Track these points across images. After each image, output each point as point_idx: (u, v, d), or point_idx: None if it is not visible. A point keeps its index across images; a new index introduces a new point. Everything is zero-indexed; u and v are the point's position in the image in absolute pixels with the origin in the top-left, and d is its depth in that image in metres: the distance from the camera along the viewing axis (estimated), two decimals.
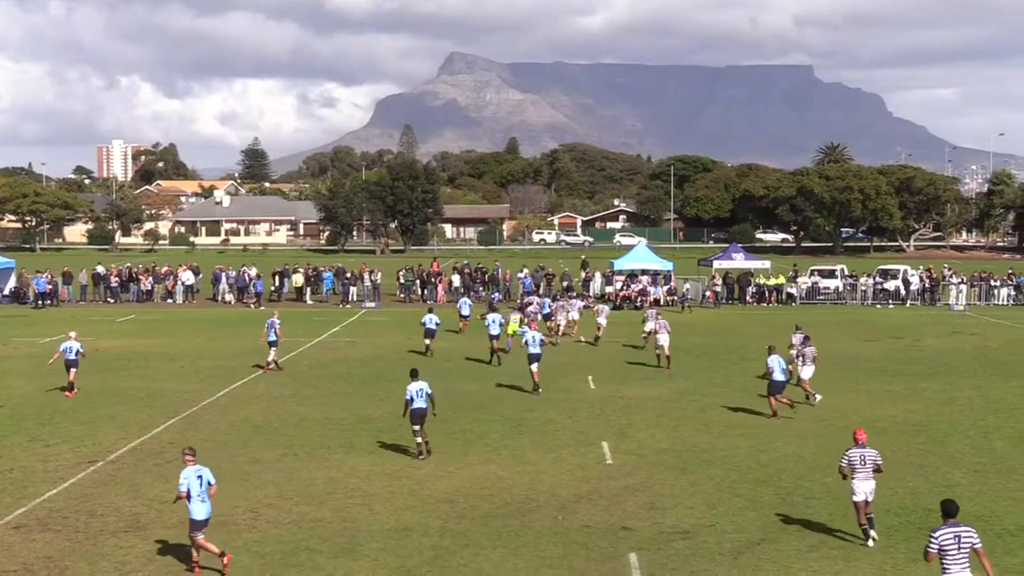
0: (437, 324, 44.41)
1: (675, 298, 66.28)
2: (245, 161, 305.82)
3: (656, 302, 62.72)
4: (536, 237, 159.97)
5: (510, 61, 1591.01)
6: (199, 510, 18.55)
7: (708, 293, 68.66)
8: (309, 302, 67.90)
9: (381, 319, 59.11)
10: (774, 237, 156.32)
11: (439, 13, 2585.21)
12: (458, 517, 21.62)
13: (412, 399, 26.09)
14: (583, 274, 72.60)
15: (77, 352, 34.92)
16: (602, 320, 48.99)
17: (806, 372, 34.13)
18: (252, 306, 65.42)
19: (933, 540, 14.85)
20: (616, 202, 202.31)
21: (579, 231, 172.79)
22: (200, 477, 18.70)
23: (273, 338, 39.49)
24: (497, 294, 65.22)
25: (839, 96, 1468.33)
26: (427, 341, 44.19)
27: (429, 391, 26.28)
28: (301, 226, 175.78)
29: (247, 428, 29.81)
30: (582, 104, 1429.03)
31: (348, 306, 66.06)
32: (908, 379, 38.76)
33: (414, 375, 26.84)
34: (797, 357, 34.59)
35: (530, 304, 54.02)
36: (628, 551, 19.52)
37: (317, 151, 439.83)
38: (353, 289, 68.91)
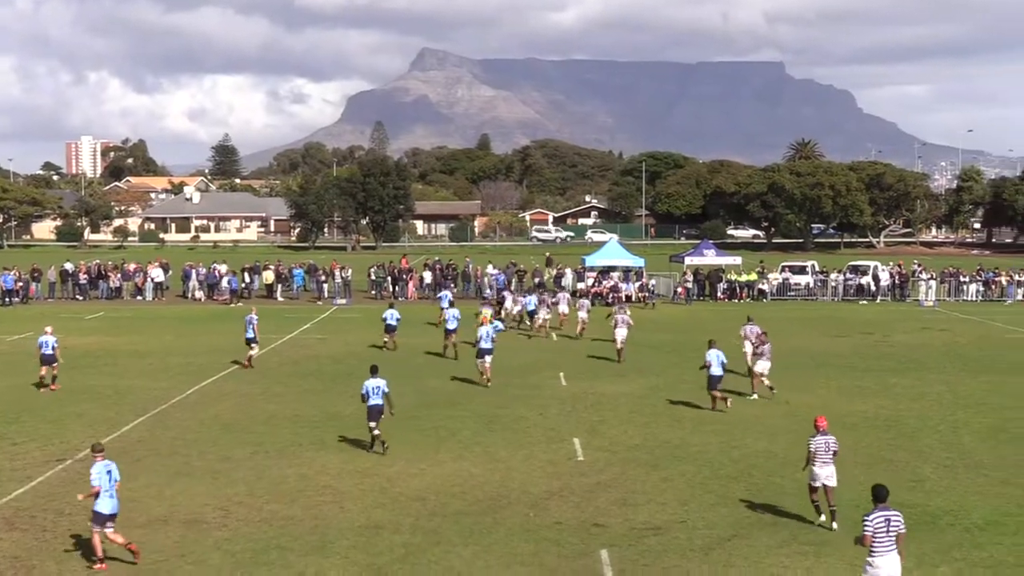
0: (398, 320, 45.22)
1: (646, 295, 66.39)
2: (215, 157, 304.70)
3: (627, 298, 62.87)
4: (542, 236, 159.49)
5: (481, 57, 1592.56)
6: (106, 505, 18.77)
7: (679, 289, 68.80)
8: (280, 299, 67.69)
9: (352, 316, 58.99)
10: (745, 233, 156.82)
11: (409, 8, 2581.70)
12: (429, 514, 21.61)
13: (368, 395, 26.45)
14: (552, 271, 72.54)
15: (53, 347, 34.86)
16: (584, 315, 49.55)
17: (761, 366, 34.18)
18: (228, 303, 65.22)
19: (867, 523, 15.43)
20: (588, 198, 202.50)
21: (551, 227, 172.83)
22: (109, 472, 18.88)
23: (251, 335, 39.59)
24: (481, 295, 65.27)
25: (810, 93, 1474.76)
26: (386, 337, 44.99)
27: (386, 389, 26.65)
28: (272, 223, 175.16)
29: (217, 426, 29.70)
30: (554, 100, 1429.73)
31: (321, 303, 65.96)
32: (878, 375, 38.96)
33: (373, 372, 27.16)
34: (756, 351, 34.63)
35: (504, 299, 54.38)
36: (600, 548, 19.55)
37: (288, 147, 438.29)
38: (324, 286, 68.80)
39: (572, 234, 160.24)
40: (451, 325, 42.78)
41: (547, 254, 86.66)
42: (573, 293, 66.05)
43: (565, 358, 42.90)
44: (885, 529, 15.50)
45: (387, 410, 26.73)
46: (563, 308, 53.09)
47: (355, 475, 24.48)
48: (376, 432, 26.61)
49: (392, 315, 44.94)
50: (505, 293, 58.51)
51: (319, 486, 23.60)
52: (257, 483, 23.84)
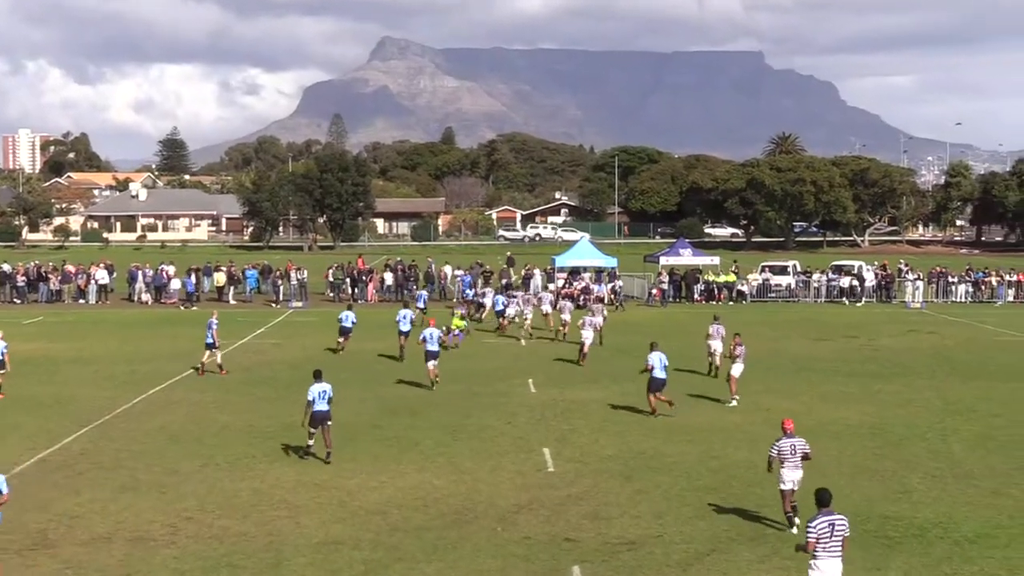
0: (353, 323, 45.98)
1: (619, 297, 66.43)
2: (162, 152, 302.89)
3: (599, 300, 62.86)
4: (531, 231, 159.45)
5: (444, 46, 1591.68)
6: None
7: (654, 291, 68.96)
8: (232, 302, 67.41)
9: (309, 320, 58.82)
10: (723, 232, 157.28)
11: None
12: (390, 529, 21.54)
13: (314, 401, 26.60)
14: (521, 271, 72.52)
15: (2, 353, 34.74)
16: (567, 317, 49.98)
17: (736, 369, 34.35)
18: (183, 307, 64.94)
19: (811, 529, 15.89)
20: (557, 195, 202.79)
21: (518, 225, 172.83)
22: None
23: (211, 340, 39.73)
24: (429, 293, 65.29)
25: (791, 84, 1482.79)
26: (340, 339, 45.77)
27: (331, 394, 26.88)
28: (223, 221, 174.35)
29: (164, 437, 29.53)
30: (520, 92, 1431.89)
31: (276, 306, 65.79)
32: (863, 380, 39.14)
33: (317, 376, 27.20)
34: (733, 354, 34.70)
35: (484, 297, 55.71)
36: (571, 564, 19.54)
37: (240, 141, 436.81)
38: (279, 288, 68.56)
39: (540, 234, 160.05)
40: (404, 327, 43.58)
41: (508, 253, 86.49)
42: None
43: (534, 363, 42.90)
44: (829, 534, 15.94)
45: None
46: (546, 308, 54.34)
47: (312, 488, 24.38)
48: (311, 442, 26.84)
49: (348, 317, 45.65)
50: (487, 291, 60.47)
51: (273, 500, 23.49)
52: (207, 497, 23.70)
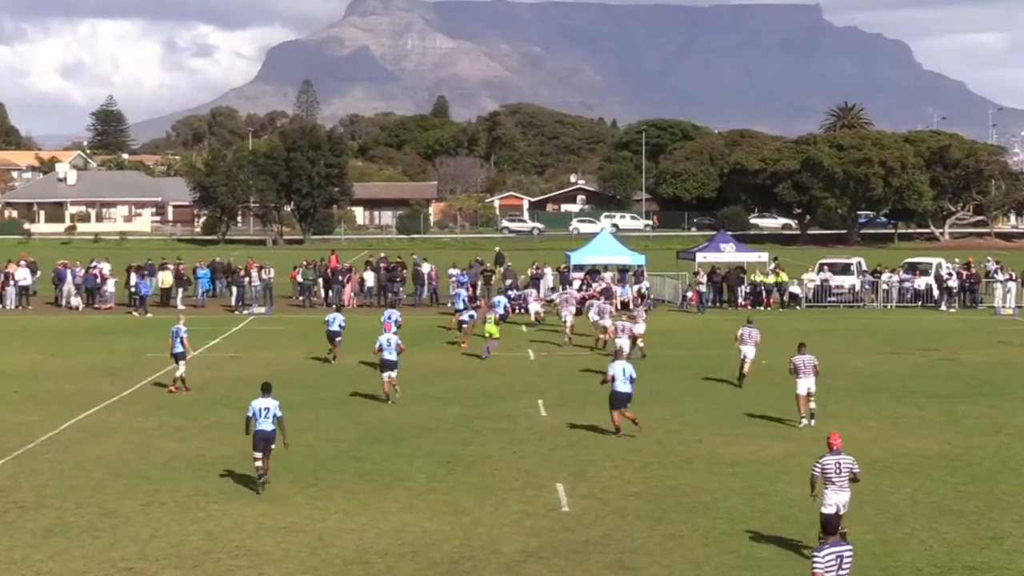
0: (342, 326, 46.79)
1: (647, 301, 66.32)
2: (96, 126, 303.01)
3: (623, 305, 62.92)
4: (514, 226, 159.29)
5: None
6: None
7: (689, 294, 68.89)
8: (180, 307, 67.43)
9: (274, 328, 58.86)
10: (773, 223, 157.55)
11: None
12: None
13: (255, 417, 27.23)
14: (528, 271, 72.52)
15: None
16: (608, 322, 50.33)
17: (804, 385, 34.45)
18: (137, 313, 65.02)
19: (817, 561, 16.57)
20: (573, 179, 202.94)
21: (526, 215, 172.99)
22: None
23: (180, 349, 40.13)
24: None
25: (854, 44, 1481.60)
26: (331, 347, 46.95)
27: (278, 413, 27.37)
28: (170, 210, 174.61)
29: (100, 469, 29.51)
30: (528, 54, 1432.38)
31: (241, 311, 65.89)
32: (943, 402, 39.08)
33: (264, 390, 27.71)
34: (801, 370, 34.74)
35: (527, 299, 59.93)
36: None
37: (189, 113, 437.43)
38: (238, 290, 68.58)
39: (541, 226, 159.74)
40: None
41: (496, 249, 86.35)
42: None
43: (545, 380, 42.88)
44: (836, 568, 16.59)
45: (279, 438, 27.38)
46: (567, 316, 54.82)
47: (277, 532, 24.35)
48: (259, 464, 27.20)
49: (335, 319, 46.61)
50: (531, 295, 62.90)
51: (230, 547, 23.46)
52: (151, 544, 23.68)
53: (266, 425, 27.21)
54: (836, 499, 21.56)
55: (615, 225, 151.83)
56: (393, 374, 38.06)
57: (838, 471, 21.64)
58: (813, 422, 34.63)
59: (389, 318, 45.19)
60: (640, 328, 47.19)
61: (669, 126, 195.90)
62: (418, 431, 34.12)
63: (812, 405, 34.92)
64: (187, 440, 32.90)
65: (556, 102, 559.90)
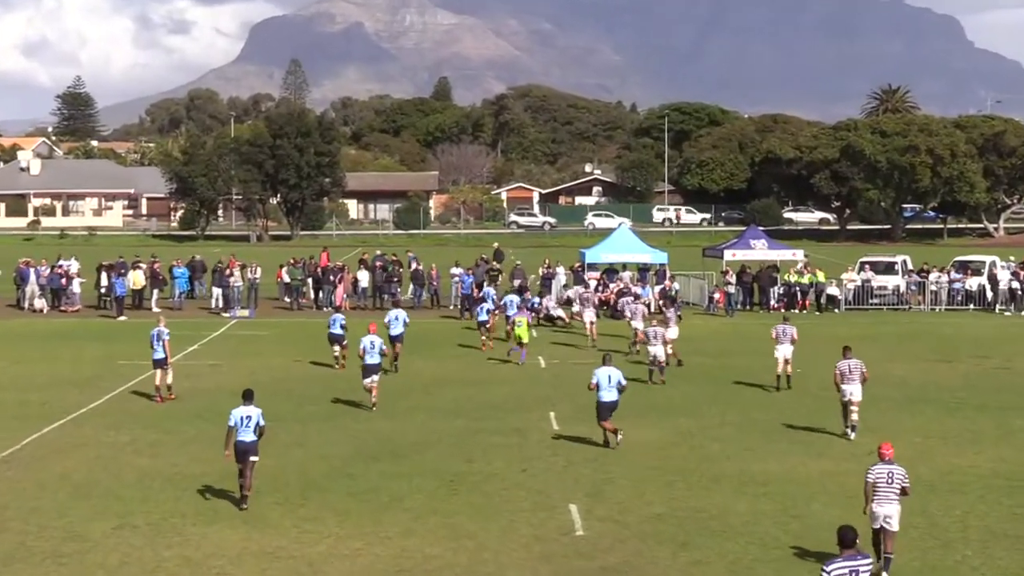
0: (344, 327, 47.42)
1: (671, 302, 66.23)
2: (62, 110, 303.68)
3: (671, 304, 62.30)
4: (524, 220, 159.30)
5: None
6: None
7: (716, 295, 68.82)
8: (155, 309, 67.46)
9: (258, 332, 58.88)
10: (810, 217, 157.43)
11: None
12: None
13: (235, 427, 27.59)
14: (539, 270, 72.49)
15: None
16: (639, 324, 50.88)
17: (849, 392, 34.55)
18: (123, 317, 65.13)
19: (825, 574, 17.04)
20: (588, 168, 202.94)
21: (536, 208, 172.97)
22: None
23: (162, 355, 40.55)
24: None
25: (898, 20, 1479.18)
26: (335, 350, 47.59)
27: (261, 422, 27.77)
28: (143, 202, 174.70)
29: (66, 489, 29.51)
30: (539, 31, 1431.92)
31: (226, 314, 65.97)
32: (996, 415, 39.04)
33: (246, 398, 28.09)
34: (846, 375, 34.85)
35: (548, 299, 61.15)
36: None
37: (165, 96, 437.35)
38: (217, 291, 68.63)
39: (553, 220, 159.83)
40: (395, 330, 45.87)
41: (495, 245, 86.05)
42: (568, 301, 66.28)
43: (559, 390, 42.83)
44: None
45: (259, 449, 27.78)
46: (589, 316, 55.58)
47: (261, 558, 24.37)
48: (242, 481, 27.59)
49: (336, 320, 47.39)
50: (572, 294, 63.44)
51: (210, 574, 23.48)
52: (121, 571, 23.70)
53: (247, 436, 27.48)
54: (884, 511, 22.00)
55: (669, 219, 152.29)
56: (376, 379, 38.83)
57: (889, 482, 22.13)
58: (853, 435, 34.66)
59: (396, 319, 46.13)
60: (673, 333, 47.23)
61: (694, 111, 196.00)
62: (418, 446, 34.12)
63: (855, 416, 34.93)
64: (162, 456, 32.91)
65: (570, 84, 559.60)
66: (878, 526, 22.07)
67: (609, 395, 33.37)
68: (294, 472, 30.53)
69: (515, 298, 56.68)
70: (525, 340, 49.12)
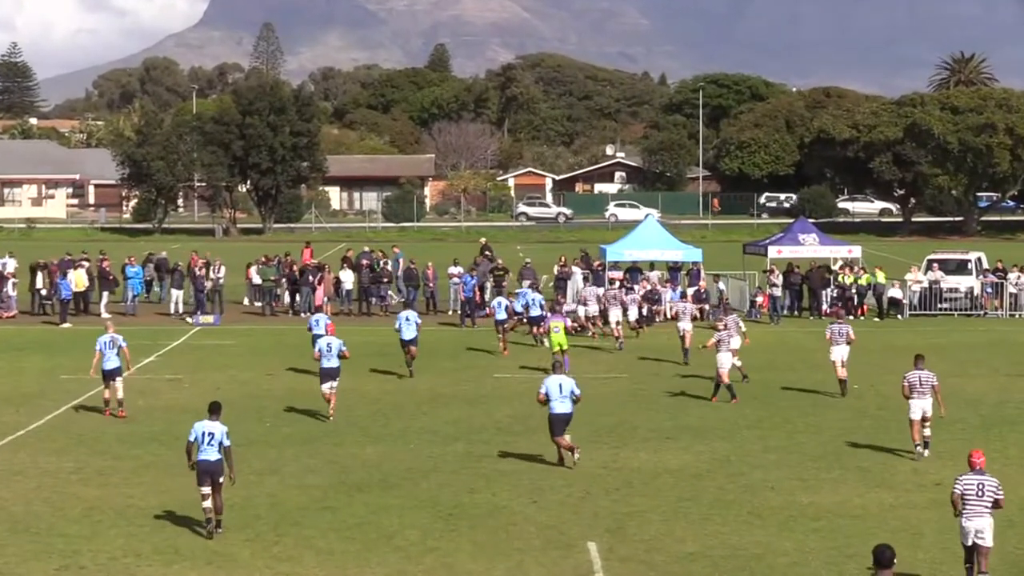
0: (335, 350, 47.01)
1: (706, 308, 66.16)
2: None
3: (726, 307, 61.61)
4: (533, 211, 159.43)
5: None
6: None
7: (760, 299, 68.81)
8: (104, 315, 67.49)
9: (224, 342, 58.99)
10: (868, 207, 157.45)
11: None
12: None
13: (196, 442, 28.15)
14: (554, 269, 72.47)
15: None
16: (687, 326, 52.11)
17: (919, 408, 35.07)
18: (61, 324, 65.38)
19: None
20: (610, 151, 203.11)
21: (549, 197, 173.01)
22: None
23: (115, 364, 41.00)
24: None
25: None
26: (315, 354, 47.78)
27: (226, 441, 28.20)
28: (90, 190, 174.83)
29: (2, 524, 29.58)
30: None
31: (190, 319, 66.11)
32: None
33: (212, 411, 28.61)
34: (917, 387, 35.01)
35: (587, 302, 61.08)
36: None
37: (116, 66, 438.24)
38: (177, 294, 68.74)
39: (569, 212, 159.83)
40: (407, 334, 47.81)
41: (482, 240, 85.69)
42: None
43: (576, 408, 42.77)
44: None
45: (225, 471, 28.06)
46: (616, 315, 57.24)
47: None
48: (206, 505, 27.90)
49: (320, 321, 47.61)
50: (588, 293, 62.65)
51: None
52: None
53: (210, 454, 27.79)
54: (974, 525, 22.65)
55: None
56: (335, 385, 40.04)
57: (979, 494, 22.80)
58: (926, 452, 34.83)
59: (408, 320, 47.86)
60: (736, 342, 47.21)
61: (734, 83, 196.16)
62: (411, 474, 34.15)
63: (927, 432, 35.06)
64: (112, 486, 32.94)
65: (588, 53, 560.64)
66: (970, 543, 22.58)
67: (562, 407, 33.95)
68: (266, 504, 30.60)
69: (536, 295, 57.95)
70: (566, 346, 49.09)
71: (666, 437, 38.79)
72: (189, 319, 66.63)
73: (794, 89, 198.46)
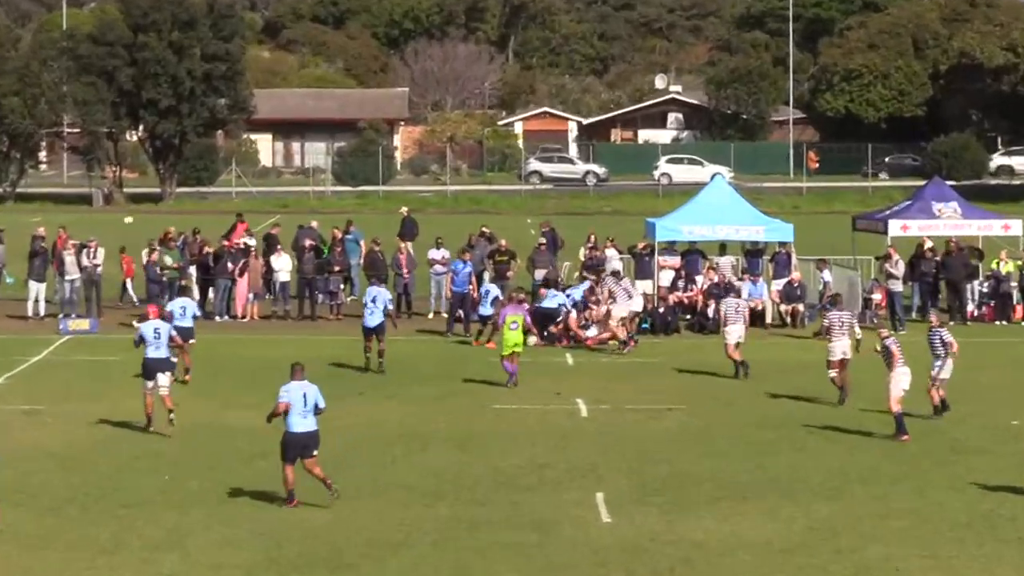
0: (197, 316, 51.65)
1: (799, 308, 66.16)
2: None
3: (834, 303, 61.10)
4: (551, 170, 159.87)
5: None
6: None
7: (877, 295, 68.63)
8: None
9: (104, 357, 58.90)
10: None
11: None
12: None
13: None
14: (582, 252, 72.40)
15: None
16: (740, 329, 53.41)
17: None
18: None
19: None
20: (661, 83, 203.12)
21: (573, 150, 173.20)
22: None
23: None
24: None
25: None
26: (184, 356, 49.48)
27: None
28: None
29: None
30: None
31: (62, 326, 66.08)
32: None
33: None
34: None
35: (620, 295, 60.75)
36: None
37: None
38: (36, 287, 68.69)
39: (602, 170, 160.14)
40: (371, 320, 50.25)
41: (404, 210, 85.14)
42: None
43: (612, 454, 42.78)
44: None
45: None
46: (636, 305, 58.65)
47: None
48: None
49: (187, 308, 50.67)
50: (618, 288, 62.09)
51: None
52: None
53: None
54: None
55: (1002, 166, 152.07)
56: (165, 380, 41.56)
57: None
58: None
59: (375, 302, 50.30)
60: (847, 346, 47.81)
61: None
62: (373, 550, 33.94)
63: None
64: None
65: None
66: None
67: (303, 424, 34.17)
68: None
69: (494, 288, 58.28)
70: (520, 350, 50.66)
71: (743, 496, 38.63)
72: (62, 325, 66.54)
73: None
